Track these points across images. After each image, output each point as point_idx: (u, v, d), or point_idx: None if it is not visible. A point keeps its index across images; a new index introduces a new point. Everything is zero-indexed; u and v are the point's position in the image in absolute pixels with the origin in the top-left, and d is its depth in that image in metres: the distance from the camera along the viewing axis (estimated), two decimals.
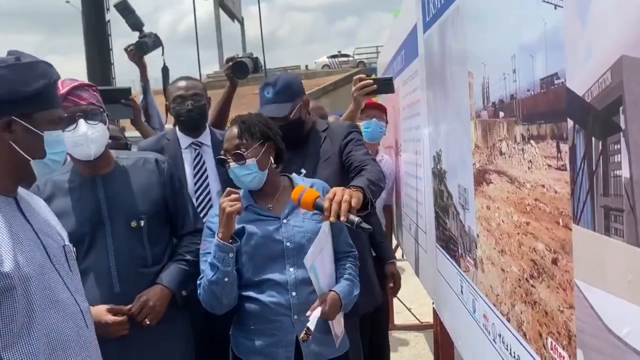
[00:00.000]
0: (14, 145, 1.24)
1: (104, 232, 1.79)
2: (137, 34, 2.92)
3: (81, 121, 1.73)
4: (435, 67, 1.90)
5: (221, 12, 24.94)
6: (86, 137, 1.73)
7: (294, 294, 1.73)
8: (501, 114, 1.20)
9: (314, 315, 1.66)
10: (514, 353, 1.22)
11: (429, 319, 3.96)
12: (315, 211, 1.60)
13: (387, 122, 3.01)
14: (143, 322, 1.75)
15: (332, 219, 1.51)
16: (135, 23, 2.91)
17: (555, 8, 0.88)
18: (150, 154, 2.04)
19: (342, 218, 1.50)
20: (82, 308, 1.36)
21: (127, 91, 2.69)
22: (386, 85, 2.45)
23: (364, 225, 1.50)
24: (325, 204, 1.54)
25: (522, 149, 1.08)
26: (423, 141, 2.28)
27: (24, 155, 1.25)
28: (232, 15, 25.67)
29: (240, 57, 2.56)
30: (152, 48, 2.87)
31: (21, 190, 1.44)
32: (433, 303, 2.28)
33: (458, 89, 1.57)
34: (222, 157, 1.79)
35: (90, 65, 12.24)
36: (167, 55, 3.05)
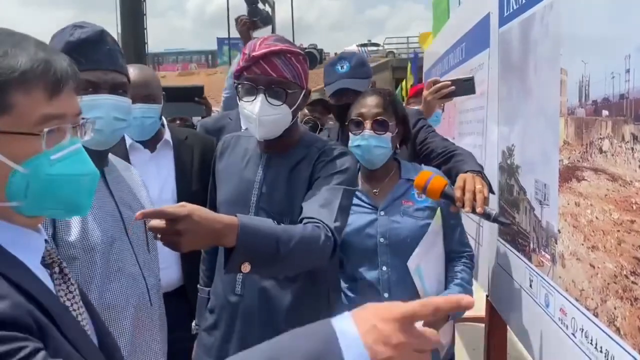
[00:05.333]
0: None
1: None
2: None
3: (260, 97, 1.44)
4: (512, 62, 1.91)
5: None
6: (256, 118, 1.45)
7: (386, 295, 1.65)
8: (605, 112, 1.21)
9: None
10: (600, 347, 1.24)
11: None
12: (442, 200, 1.49)
13: (442, 109, 2.96)
14: None
15: (467, 209, 1.40)
16: (259, 13, 2.87)
17: None
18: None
19: (478, 210, 1.39)
20: (149, 284, 1.34)
21: (200, 90, 2.75)
22: (467, 86, 2.18)
23: (502, 218, 1.39)
24: (457, 194, 1.42)
25: (632, 148, 1.09)
26: (487, 135, 2.29)
27: None
28: None
29: (307, 48, 2.59)
30: (264, 23, 2.84)
31: (117, 161, 1.47)
32: (488, 296, 2.31)
33: (544, 86, 1.58)
34: (358, 119, 1.67)
35: (124, 43, 12.38)
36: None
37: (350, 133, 1.73)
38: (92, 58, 1.22)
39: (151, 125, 1.99)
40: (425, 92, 2.27)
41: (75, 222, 1.21)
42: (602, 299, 1.23)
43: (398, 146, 1.74)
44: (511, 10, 1.90)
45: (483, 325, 2.54)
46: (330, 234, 1.34)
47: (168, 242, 1.11)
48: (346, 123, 1.77)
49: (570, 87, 1.39)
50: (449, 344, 1.78)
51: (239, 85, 1.50)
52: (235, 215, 1.21)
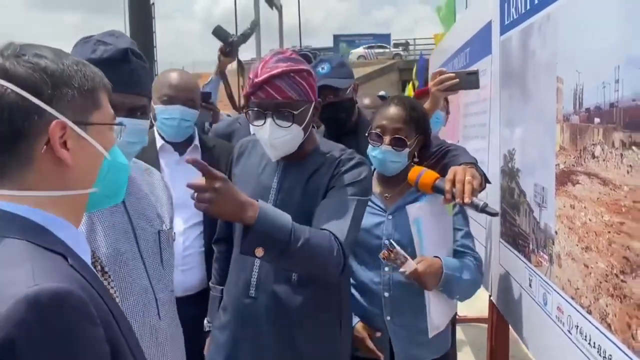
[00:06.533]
0: None
1: None
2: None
3: (268, 121, 1.46)
4: (513, 70, 1.97)
5: None
6: (267, 142, 1.48)
7: (386, 294, 1.71)
8: (596, 119, 1.28)
9: (407, 263, 1.54)
10: (594, 343, 1.30)
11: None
12: (434, 193, 1.53)
13: (448, 112, 2.98)
14: None
15: (458, 200, 1.43)
16: (232, 42, 3.04)
17: None
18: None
19: (466, 200, 1.42)
20: (158, 298, 1.32)
21: (207, 95, 2.85)
22: (470, 80, 2.10)
23: (490, 209, 1.42)
24: (447, 186, 1.46)
25: (621, 154, 1.16)
26: (490, 139, 2.35)
27: None
28: (271, 3, 25.73)
29: (301, 51, 2.68)
30: (229, 48, 2.99)
31: (135, 168, 1.42)
32: (490, 296, 2.37)
33: (542, 93, 1.65)
34: (376, 132, 1.69)
35: None
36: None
37: (369, 141, 1.78)
38: (112, 80, 1.12)
39: (187, 129, 2.07)
40: (430, 84, 2.25)
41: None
42: (595, 297, 1.29)
43: (416, 154, 1.79)
44: (512, 19, 1.97)
45: (487, 325, 2.60)
46: (341, 252, 1.38)
47: (202, 199, 1.23)
48: (339, 128, 1.85)
49: (566, 94, 1.45)
50: (444, 327, 1.79)
51: (249, 111, 1.52)
52: (257, 201, 1.31)
